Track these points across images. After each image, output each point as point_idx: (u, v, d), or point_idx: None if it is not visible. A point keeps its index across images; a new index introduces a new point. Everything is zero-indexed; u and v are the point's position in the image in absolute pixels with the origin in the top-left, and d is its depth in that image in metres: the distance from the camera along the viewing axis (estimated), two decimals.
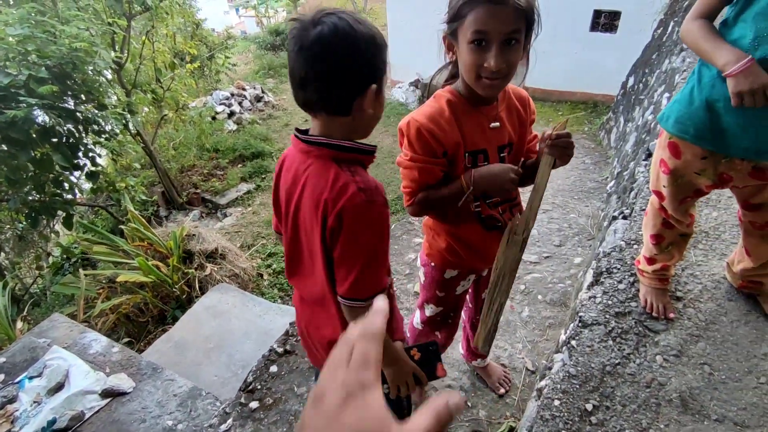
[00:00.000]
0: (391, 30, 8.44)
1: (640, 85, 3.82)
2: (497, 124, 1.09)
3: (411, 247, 2.58)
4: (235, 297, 3.16)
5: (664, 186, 1.28)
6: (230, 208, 6.04)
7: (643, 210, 1.73)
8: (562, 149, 1.04)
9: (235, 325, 2.87)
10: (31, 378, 1.92)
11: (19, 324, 2.92)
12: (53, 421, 1.74)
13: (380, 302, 0.38)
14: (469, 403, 1.65)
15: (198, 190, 6.30)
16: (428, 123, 1.03)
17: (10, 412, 1.78)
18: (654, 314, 1.41)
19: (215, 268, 3.90)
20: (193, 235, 4.09)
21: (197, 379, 2.29)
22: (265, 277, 4.42)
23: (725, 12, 1.06)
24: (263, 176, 6.64)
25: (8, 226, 4.41)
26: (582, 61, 6.21)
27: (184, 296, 3.63)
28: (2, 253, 4.18)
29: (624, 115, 3.93)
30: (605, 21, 6.08)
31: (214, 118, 7.83)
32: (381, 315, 0.37)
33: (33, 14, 3.43)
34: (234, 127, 8.03)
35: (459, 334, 1.65)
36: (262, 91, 9.41)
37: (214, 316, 3.01)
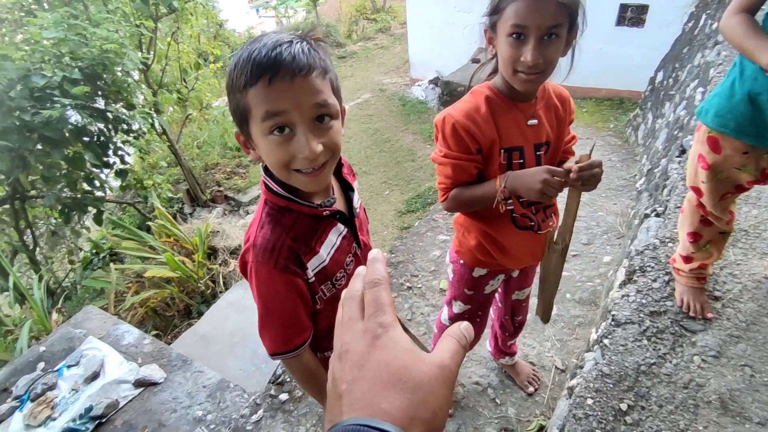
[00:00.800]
0: (411, 28, 8.40)
1: (670, 80, 3.72)
2: (535, 121, 1.07)
3: (435, 244, 2.57)
4: None
5: (702, 182, 1.24)
6: (252, 206, 6.13)
7: (678, 207, 1.68)
8: (587, 182, 0.98)
9: None
10: (69, 367, 1.99)
11: (54, 315, 3.02)
12: (90, 408, 1.81)
13: (375, 252, 0.38)
14: (498, 401, 1.63)
15: (221, 188, 6.41)
16: (464, 119, 1.02)
17: (50, 398, 1.85)
18: (691, 314, 1.37)
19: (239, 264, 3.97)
20: (217, 231, 4.17)
21: (222, 371, 2.33)
22: None
23: None
24: None
25: (42, 222, 4.57)
26: (607, 57, 6.05)
27: (208, 291, 3.70)
28: (38, 248, 4.33)
29: (652, 112, 3.83)
30: (632, 15, 5.92)
31: None
32: (380, 262, 0.37)
33: (66, 18, 3.54)
34: None
35: (487, 332, 1.64)
36: None
37: (238, 312, 3.07)
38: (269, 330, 0.84)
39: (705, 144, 1.20)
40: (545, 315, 1.34)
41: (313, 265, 0.82)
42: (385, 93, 8.57)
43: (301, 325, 0.84)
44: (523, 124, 1.07)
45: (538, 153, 1.10)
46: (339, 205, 0.87)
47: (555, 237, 1.17)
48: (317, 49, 0.70)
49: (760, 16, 1.04)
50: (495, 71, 1.09)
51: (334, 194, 0.87)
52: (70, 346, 2.14)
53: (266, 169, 0.79)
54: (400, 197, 5.44)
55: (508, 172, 1.04)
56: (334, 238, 0.86)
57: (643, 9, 5.80)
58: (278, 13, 17.84)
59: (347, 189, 0.92)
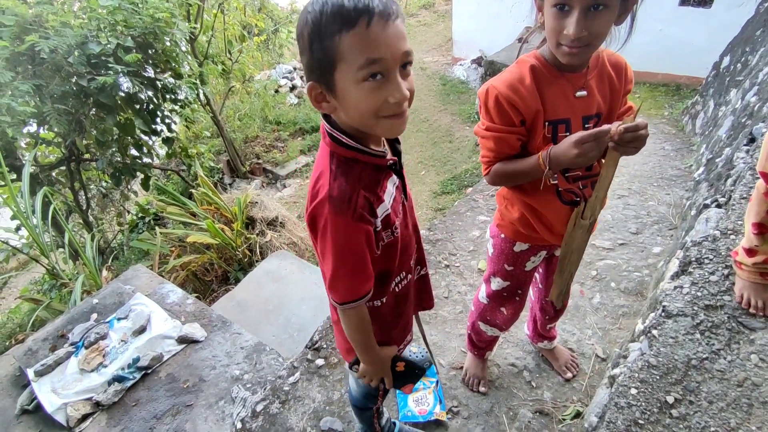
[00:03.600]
0: (456, 5, 8.14)
1: (738, 65, 3.44)
2: (584, 92, 1.01)
3: (475, 225, 2.53)
4: (293, 264, 3.28)
5: None
6: (289, 179, 6.24)
7: (744, 198, 1.57)
8: (628, 144, 0.92)
9: (293, 291, 2.99)
10: (119, 319, 2.11)
11: (104, 273, 3.21)
12: (137, 359, 1.92)
13: None
14: (533, 384, 1.61)
15: (260, 161, 6.55)
16: (507, 90, 0.99)
17: (102, 347, 1.98)
18: (751, 310, 1.29)
19: (275, 235, 4.06)
20: (256, 202, 4.27)
21: (257, 337, 2.42)
22: None
23: None
24: None
25: (94, 185, 4.83)
26: (667, 39, 5.66)
27: (245, 259, 3.83)
28: (90, 209, 4.59)
29: (714, 99, 3.57)
30: None
31: (276, 91, 8.05)
32: None
33: None
34: (295, 100, 8.20)
35: (525, 315, 1.61)
36: None
37: (273, 281, 3.15)
38: (343, 280, 0.84)
39: None
40: (560, 298, 1.28)
41: (380, 213, 0.84)
42: (426, 72, 8.41)
43: (368, 274, 0.86)
44: (570, 96, 1.01)
45: (586, 126, 1.04)
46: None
47: (583, 210, 1.10)
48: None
49: None
50: (545, 40, 1.04)
51: (385, 146, 0.88)
52: (120, 301, 2.27)
53: (331, 124, 0.80)
54: (436, 178, 5.39)
55: (549, 147, 1.00)
56: (391, 187, 0.87)
57: None
58: None
59: (394, 142, 0.93)
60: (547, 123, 1.02)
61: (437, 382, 1.65)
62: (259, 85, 6.50)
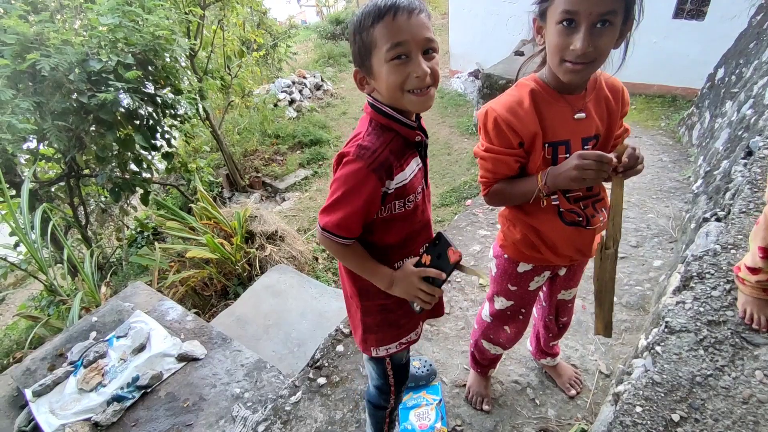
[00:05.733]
0: (453, 18, 8.25)
1: (733, 77, 3.48)
2: (583, 114, 1.03)
3: (476, 239, 2.53)
4: (292, 278, 3.27)
5: None
6: (288, 193, 6.24)
7: (743, 213, 1.58)
8: (629, 170, 0.97)
9: (292, 305, 2.97)
10: (118, 337, 2.09)
11: (103, 289, 3.19)
12: (137, 378, 1.90)
13: None
14: (537, 401, 1.60)
15: (259, 174, 6.56)
16: (505, 113, 1.00)
17: (101, 366, 1.95)
18: (754, 326, 1.28)
19: (275, 249, 4.05)
20: (255, 216, 4.27)
21: (256, 352, 2.40)
22: (320, 261, 4.54)
23: None
24: (320, 163, 6.78)
25: (94, 200, 4.82)
26: (662, 51, 5.73)
27: (245, 274, 3.81)
28: (89, 224, 4.58)
29: (710, 110, 3.60)
30: (692, 7, 5.57)
31: (276, 105, 8.09)
32: None
33: (122, 4, 3.68)
34: (294, 114, 8.25)
35: (528, 331, 1.60)
36: (322, 80, 9.58)
37: (273, 295, 3.13)
38: (335, 212, 0.94)
39: None
40: (607, 330, 1.25)
41: (398, 179, 0.94)
42: None
43: (356, 221, 0.95)
44: (569, 118, 1.03)
45: (585, 147, 1.05)
46: None
47: (605, 240, 1.10)
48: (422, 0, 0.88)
49: None
50: (543, 63, 1.06)
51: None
52: (120, 318, 2.25)
53: (373, 99, 0.95)
54: (434, 191, 5.40)
55: (549, 168, 1.01)
56: (414, 165, 0.99)
57: (704, 1, 5.45)
58: (319, 2, 17.94)
59: (424, 134, 1.03)
60: (547, 144, 1.03)
61: (441, 399, 1.64)
62: (258, 99, 6.54)
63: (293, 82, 8.96)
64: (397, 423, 1.47)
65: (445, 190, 5.27)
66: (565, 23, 0.88)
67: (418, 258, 1.03)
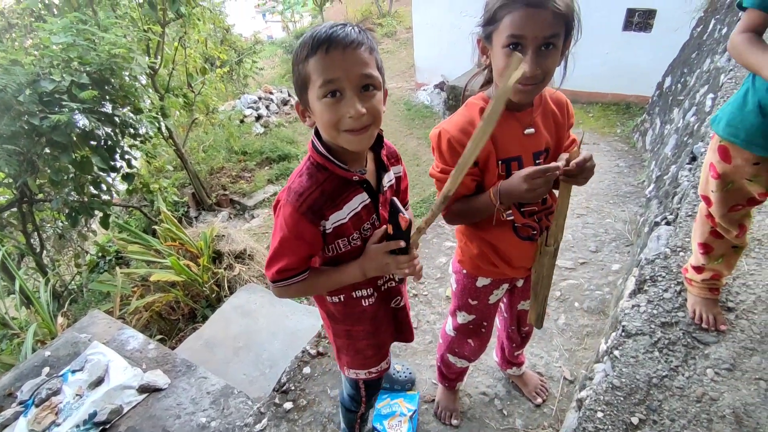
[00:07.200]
0: (417, 33, 8.43)
1: (678, 85, 3.69)
2: (532, 130, 1.06)
3: (441, 251, 2.55)
4: (262, 297, 3.20)
5: (712, 191, 1.23)
6: (257, 210, 6.15)
7: (689, 216, 1.66)
8: (578, 176, 0.99)
9: (263, 325, 2.90)
10: (73, 372, 1.98)
11: (60, 319, 3.03)
12: (94, 414, 1.80)
13: None
14: (505, 412, 1.61)
15: (226, 192, 6.44)
16: (458, 133, 1.02)
17: (54, 404, 1.84)
18: (704, 325, 1.34)
19: (244, 269, 3.96)
20: (223, 235, 4.17)
21: (226, 376, 2.32)
22: None
23: None
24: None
25: (49, 225, 4.60)
26: (614, 61, 6.03)
27: (213, 295, 3.70)
28: (44, 251, 4.36)
29: (660, 117, 3.80)
30: (639, 20, 5.90)
31: (242, 121, 8.00)
32: None
33: (75, 23, 3.57)
34: (261, 130, 8.17)
35: (493, 342, 1.62)
36: (289, 95, 9.55)
37: (243, 316, 3.05)
38: (276, 261, 0.95)
39: (716, 153, 1.19)
40: (539, 321, 1.31)
41: (333, 219, 0.92)
42: (390, 98, 8.59)
43: (297, 265, 0.96)
44: (520, 134, 1.05)
45: (537, 161, 1.08)
46: (369, 177, 0.98)
47: (546, 238, 1.15)
48: (365, 32, 0.83)
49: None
50: (489, 82, 1.09)
51: (366, 167, 0.98)
52: (75, 351, 2.14)
53: (317, 134, 0.92)
54: None
55: (499, 183, 1.03)
56: (356, 203, 0.95)
57: (650, 14, 5.78)
58: (284, 18, 17.96)
59: (381, 168, 1.01)
60: (500, 162, 1.06)
61: (416, 410, 1.64)
62: (223, 116, 6.45)
63: (259, 98, 8.89)
64: (369, 421, 1.50)
65: (416, 201, 5.31)
66: (511, 47, 0.90)
67: (385, 228, 1.00)
